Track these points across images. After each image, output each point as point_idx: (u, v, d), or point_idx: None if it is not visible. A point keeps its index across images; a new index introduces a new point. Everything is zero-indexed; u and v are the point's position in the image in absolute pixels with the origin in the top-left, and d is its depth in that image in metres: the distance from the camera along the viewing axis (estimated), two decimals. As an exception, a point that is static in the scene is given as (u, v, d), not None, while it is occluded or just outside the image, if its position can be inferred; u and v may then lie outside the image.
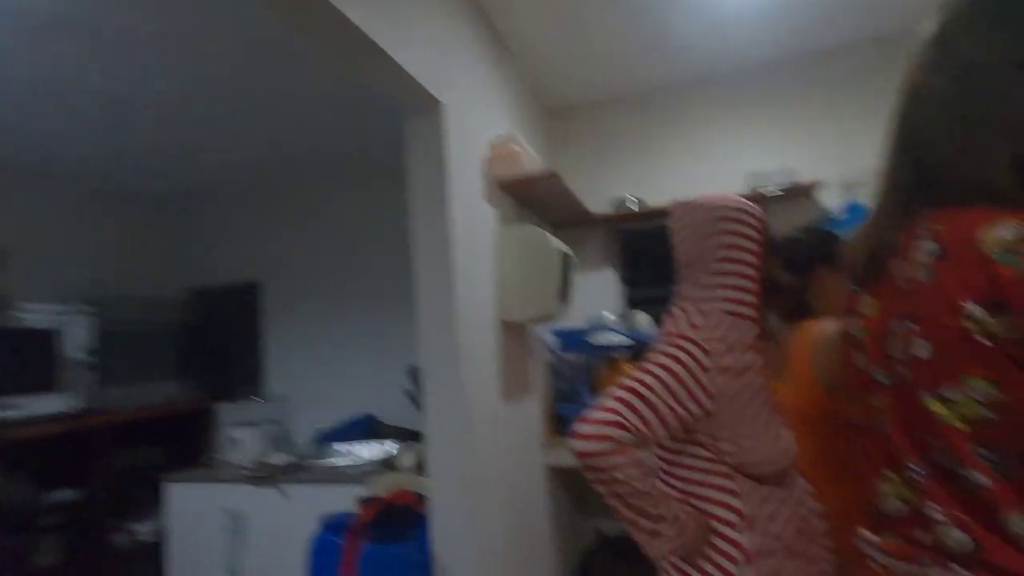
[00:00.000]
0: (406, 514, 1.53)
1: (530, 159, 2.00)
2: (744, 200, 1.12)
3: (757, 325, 1.09)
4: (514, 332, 2.04)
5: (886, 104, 0.79)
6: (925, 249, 0.67)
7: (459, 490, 1.52)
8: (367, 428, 3.03)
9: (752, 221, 1.10)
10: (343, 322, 3.28)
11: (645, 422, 0.97)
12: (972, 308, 0.61)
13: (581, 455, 0.97)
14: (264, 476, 2.45)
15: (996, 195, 0.62)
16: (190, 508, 2.60)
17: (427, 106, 1.63)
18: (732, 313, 1.07)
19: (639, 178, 2.82)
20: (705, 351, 1.02)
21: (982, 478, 0.63)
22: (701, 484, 1.06)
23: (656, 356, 1.05)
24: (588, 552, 2.44)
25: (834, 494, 1.14)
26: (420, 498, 1.61)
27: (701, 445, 1.05)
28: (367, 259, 3.27)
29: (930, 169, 0.69)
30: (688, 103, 2.79)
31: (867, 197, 0.73)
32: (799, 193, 2.45)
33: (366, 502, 1.56)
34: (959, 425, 0.64)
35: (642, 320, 2.54)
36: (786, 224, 1.59)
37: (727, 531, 1.02)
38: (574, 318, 2.60)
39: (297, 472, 2.51)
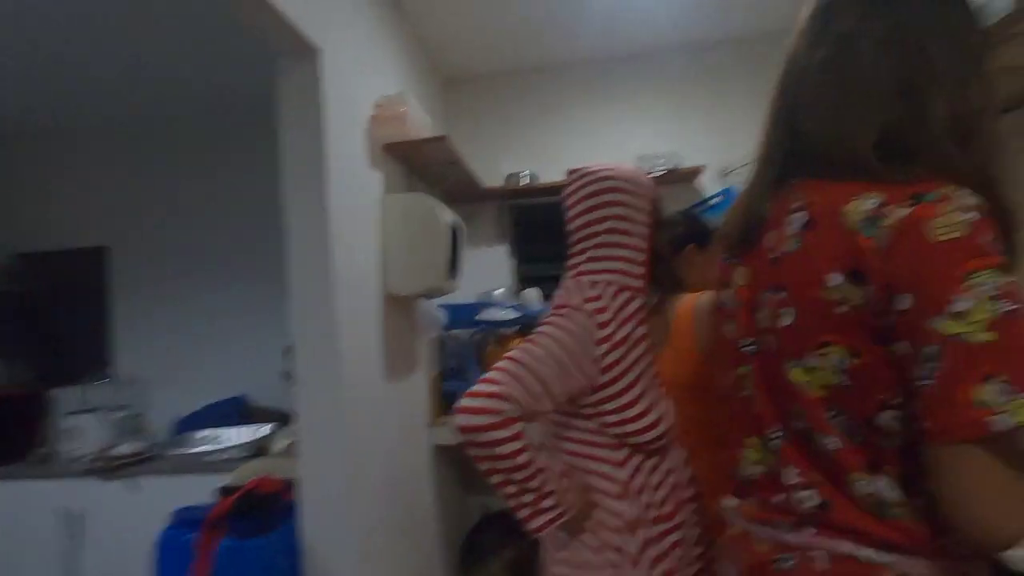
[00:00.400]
0: (272, 503, 1.39)
1: (419, 123, 1.88)
2: (637, 172, 1.11)
3: (644, 298, 1.09)
4: (399, 306, 1.93)
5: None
6: (795, 220, 0.68)
7: (333, 473, 1.41)
8: (237, 411, 2.77)
9: (643, 193, 1.10)
10: (209, 294, 2.92)
11: (532, 394, 0.94)
12: (834, 278, 0.62)
13: (464, 430, 0.91)
14: (107, 468, 2.15)
15: (862, 168, 0.63)
16: (14, 509, 2.23)
17: (301, 51, 1.45)
18: (622, 286, 1.06)
19: (535, 153, 2.79)
20: (595, 323, 1.00)
21: (834, 441, 0.65)
22: (585, 456, 1.06)
23: (545, 327, 1.02)
24: (473, 529, 2.42)
25: (710, 461, 1.18)
26: (289, 485, 1.47)
27: (587, 417, 1.04)
28: (239, 222, 2.91)
29: (804, 141, 0.69)
30: (587, 81, 2.79)
31: (740, 182, 0.74)
32: (682, 178, 2.55)
33: (224, 492, 1.40)
34: (817, 392, 0.65)
35: (533, 296, 2.54)
36: (668, 206, 1.64)
37: (609, 501, 1.03)
38: (464, 293, 2.53)
39: (149, 462, 2.23)
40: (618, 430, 1.02)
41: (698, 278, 1.41)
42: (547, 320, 1.03)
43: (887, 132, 0.62)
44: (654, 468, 1.06)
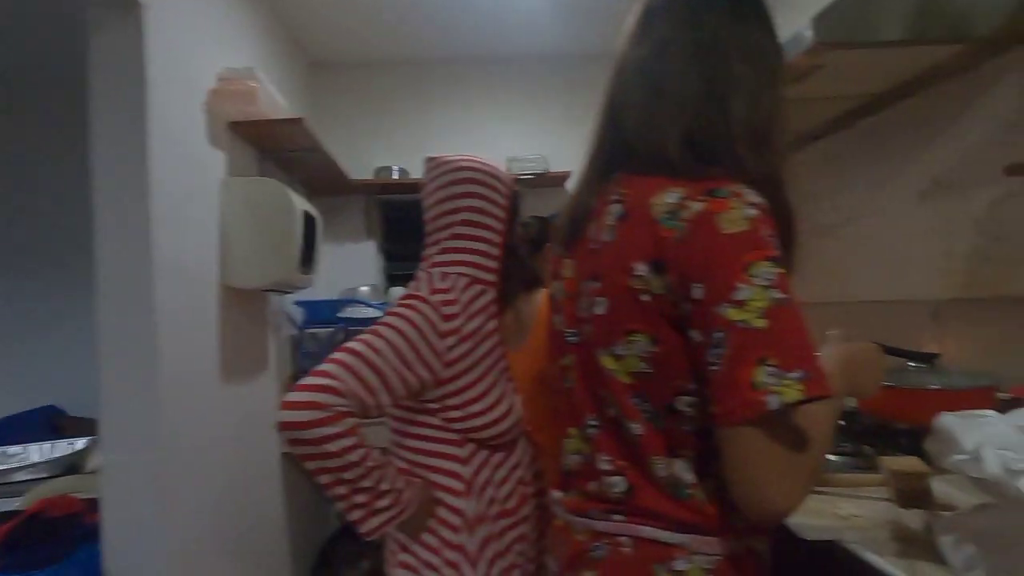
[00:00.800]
0: (64, 527, 1.19)
1: (272, 102, 1.73)
2: (494, 166, 1.10)
3: (497, 292, 1.07)
4: (243, 301, 1.76)
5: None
6: (613, 211, 0.70)
7: (143, 489, 1.23)
8: (48, 423, 2.38)
9: (500, 188, 1.09)
10: (9, 287, 2.49)
11: (368, 388, 0.88)
12: (640, 267, 0.64)
13: (284, 426, 0.84)
14: None
15: (668, 164, 0.66)
16: None
17: (119, 3, 1.27)
18: (474, 279, 1.04)
19: (406, 148, 2.71)
20: (441, 315, 0.97)
21: (638, 427, 0.67)
22: (429, 453, 1.02)
23: (388, 318, 0.96)
24: (330, 539, 2.28)
25: (553, 455, 1.19)
26: (94, 504, 1.27)
27: (431, 412, 1.00)
28: (47, 204, 2.51)
29: (623, 136, 0.72)
30: (463, 79, 2.77)
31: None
32: (551, 182, 2.61)
33: (4, 519, 1.17)
34: (625, 378, 0.67)
35: (398, 294, 2.46)
36: (535, 209, 1.67)
37: (450, 499, 1.00)
38: (326, 290, 2.39)
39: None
40: (463, 425, 1.00)
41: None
42: (391, 311, 0.98)
43: (692, 132, 0.66)
44: (500, 463, 1.04)
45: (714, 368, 0.59)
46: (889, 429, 1.24)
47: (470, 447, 1.01)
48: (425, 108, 2.76)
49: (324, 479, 0.88)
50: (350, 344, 0.91)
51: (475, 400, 0.99)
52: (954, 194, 1.36)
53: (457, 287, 1.02)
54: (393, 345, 0.91)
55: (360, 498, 0.89)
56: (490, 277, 1.06)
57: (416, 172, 2.61)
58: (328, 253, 2.52)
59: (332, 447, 0.84)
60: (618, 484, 0.70)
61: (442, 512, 0.99)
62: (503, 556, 1.00)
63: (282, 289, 1.81)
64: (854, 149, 1.70)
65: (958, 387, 1.20)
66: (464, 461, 1.00)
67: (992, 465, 0.56)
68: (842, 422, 1.32)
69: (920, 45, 1.19)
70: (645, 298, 0.64)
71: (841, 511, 0.91)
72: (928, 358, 1.29)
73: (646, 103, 0.69)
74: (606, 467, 0.71)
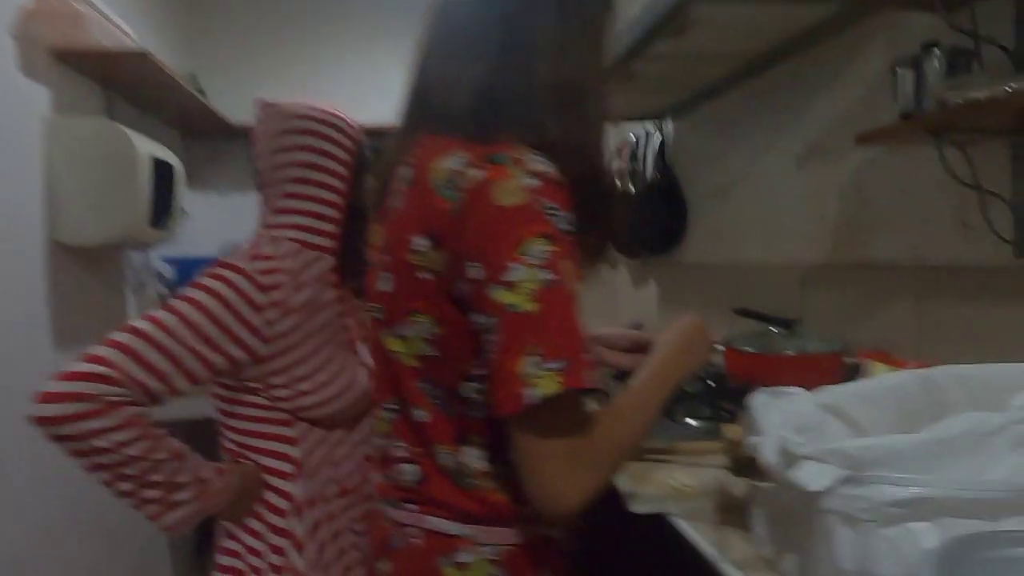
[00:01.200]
0: None
1: (107, 30, 1.50)
2: (337, 112, 0.98)
3: (336, 257, 0.97)
4: (87, 259, 1.57)
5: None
6: (404, 175, 0.63)
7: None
8: None
9: (341, 139, 0.97)
10: None
11: (154, 372, 0.78)
12: (419, 241, 0.58)
13: (39, 422, 0.72)
14: None
15: (456, 124, 0.59)
16: None
17: None
18: (306, 244, 0.93)
19: (297, 87, 2.47)
20: (258, 286, 0.86)
21: (425, 413, 0.62)
22: (254, 434, 0.94)
23: (188, 290, 0.85)
24: (207, 521, 2.18)
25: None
26: None
27: (253, 391, 0.91)
28: None
29: (425, 96, 0.65)
30: (362, 10, 2.53)
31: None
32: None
33: None
34: (410, 361, 0.62)
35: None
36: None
37: (278, 482, 0.93)
38: (203, 245, 2.20)
39: None
40: (291, 404, 0.92)
41: None
42: (194, 282, 0.86)
43: (487, 89, 0.59)
44: (340, 441, 0.98)
45: (489, 356, 0.53)
46: (748, 393, 1.26)
47: (302, 426, 0.93)
48: (320, 43, 2.53)
49: (103, 476, 0.78)
50: (135, 322, 0.80)
51: (305, 377, 0.91)
52: (826, 159, 1.36)
53: (285, 253, 0.92)
54: (189, 322, 0.81)
55: (151, 493, 0.80)
56: (326, 242, 0.95)
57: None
58: (207, 203, 2.31)
59: (102, 442, 0.74)
60: (410, 472, 0.65)
61: (269, 496, 0.92)
62: (339, 537, 0.95)
63: (131, 246, 1.63)
64: (742, 109, 1.68)
65: (810, 352, 1.23)
66: (294, 442, 0.93)
67: (767, 452, 0.54)
68: (711, 383, 1.34)
69: (793, 3, 1.14)
70: (425, 275, 0.58)
71: (674, 480, 0.90)
72: (788, 323, 1.31)
73: (442, 53, 0.62)
74: (400, 454, 0.66)
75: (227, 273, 0.86)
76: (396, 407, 0.67)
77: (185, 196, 2.17)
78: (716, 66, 1.51)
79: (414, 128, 0.66)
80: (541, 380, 0.49)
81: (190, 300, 0.83)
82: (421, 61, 0.65)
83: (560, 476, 0.53)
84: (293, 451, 0.93)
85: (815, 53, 1.35)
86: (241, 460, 0.93)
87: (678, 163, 2.09)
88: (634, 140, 2.28)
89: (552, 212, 0.53)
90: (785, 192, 1.52)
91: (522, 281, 0.51)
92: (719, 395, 1.30)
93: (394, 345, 0.62)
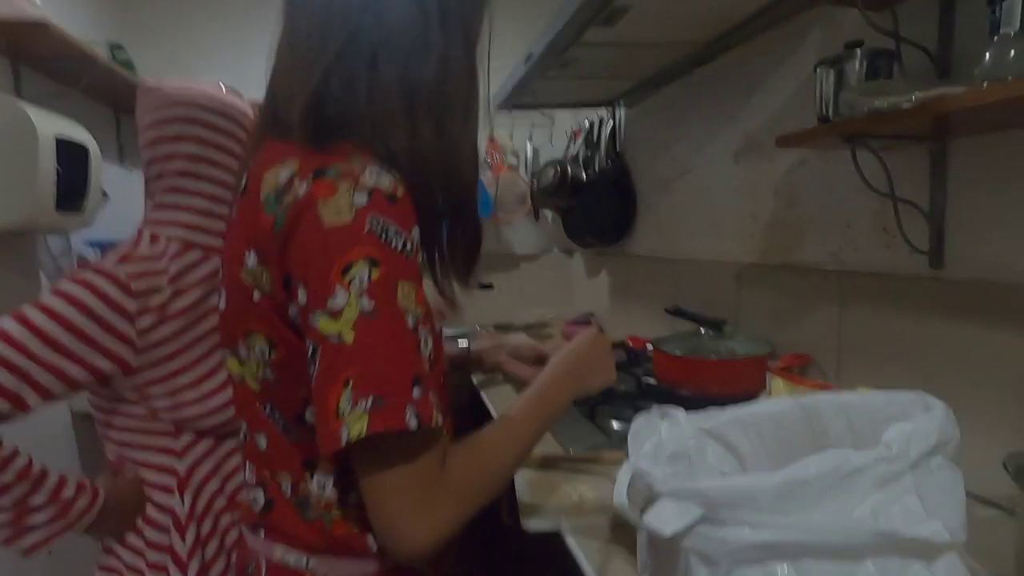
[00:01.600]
0: None
1: (5, -4, 1.38)
2: (227, 99, 0.91)
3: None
4: (-9, 244, 1.47)
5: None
6: (243, 184, 0.58)
7: None
8: None
9: (233, 129, 0.90)
10: None
11: None
12: (250, 257, 0.52)
13: None
14: None
15: (291, 130, 0.53)
16: None
17: None
18: (191, 244, 0.87)
19: (235, 62, 2.35)
20: (129, 293, 0.80)
21: (268, 439, 0.58)
22: (136, 446, 0.88)
23: (46, 298, 0.78)
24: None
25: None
26: None
27: (131, 402, 0.85)
28: None
29: (273, 96, 0.59)
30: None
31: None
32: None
33: None
34: (253, 385, 0.57)
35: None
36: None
37: (159, 497, 0.88)
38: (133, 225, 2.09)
39: None
40: (175, 415, 0.86)
41: None
42: (55, 287, 0.79)
43: (326, 92, 0.53)
44: (232, 452, 0.93)
45: (313, 388, 0.49)
46: (674, 397, 1.24)
47: (187, 438, 0.88)
48: (259, 14, 2.40)
49: None
50: None
51: (188, 387, 0.86)
52: (762, 155, 1.33)
53: (166, 254, 0.85)
54: (41, 332, 0.74)
55: (2, 517, 0.74)
56: (217, 242, 0.89)
57: (252, 89, 2.29)
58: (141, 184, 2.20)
59: None
60: (258, 498, 0.61)
61: (150, 511, 0.87)
62: (226, 553, 0.91)
63: (40, 230, 1.53)
64: (690, 99, 1.64)
65: (737, 356, 1.21)
66: (179, 454, 0.88)
67: (618, 494, 0.51)
68: (649, 381, 1.31)
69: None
70: (256, 294, 0.53)
71: (574, 493, 0.87)
72: (718, 325, 1.29)
73: (287, 49, 0.57)
74: (250, 478, 0.62)
75: (92, 278, 0.79)
76: (246, 429, 0.62)
77: (115, 175, 2.06)
78: (659, 55, 1.45)
79: (264, 130, 0.60)
80: (353, 420, 0.45)
81: (44, 308, 0.76)
82: (274, 57, 0.60)
83: (405, 513, 0.49)
84: (177, 464, 0.87)
85: (756, 45, 1.31)
86: (122, 472, 0.88)
87: (628, 152, 2.04)
88: (587, 126, 2.22)
89: (385, 232, 0.47)
90: (724, 187, 1.49)
91: (345, 308, 0.46)
92: (647, 397, 1.28)
93: (234, 367, 0.58)
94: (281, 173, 0.51)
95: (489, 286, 2.61)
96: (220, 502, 0.91)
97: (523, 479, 0.92)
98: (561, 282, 2.66)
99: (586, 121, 2.23)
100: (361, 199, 0.47)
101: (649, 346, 1.33)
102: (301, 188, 0.49)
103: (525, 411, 0.62)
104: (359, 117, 0.52)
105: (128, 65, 1.95)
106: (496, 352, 0.90)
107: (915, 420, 0.53)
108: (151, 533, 0.87)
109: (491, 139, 2.49)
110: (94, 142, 1.59)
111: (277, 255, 0.50)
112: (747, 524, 0.50)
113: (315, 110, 0.52)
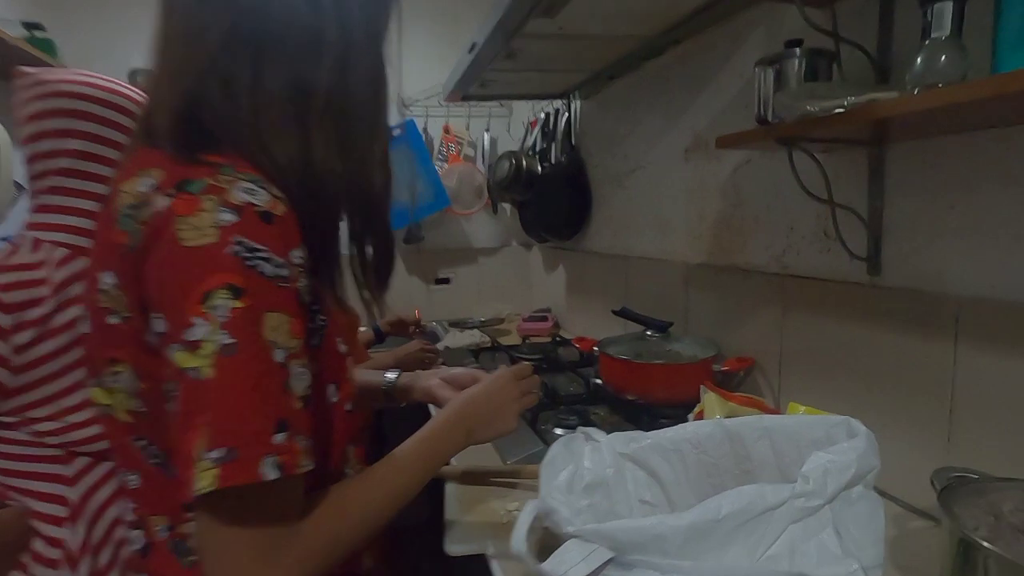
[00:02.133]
0: None
1: None
2: (122, 87, 0.83)
3: None
4: None
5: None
6: (105, 196, 0.52)
7: None
8: None
9: (126, 122, 0.82)
10: None
11: None
12: (106, 278, 0.47)
13: None
14: None
15: (159, 137, 0.47)
16: None
17: None
18: (77, 250, 0.79)
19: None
20: (3, 306, 0.72)
21: (136, 479, 0.53)
22: (19, 474, 0.80)
23: None
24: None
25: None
26: None
27: (9, 427, 0.78)
28: None
29: (148, 104, 0.52)
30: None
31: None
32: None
33: None
34: (123, 417, 0.51)
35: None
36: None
37: (47, 528, 0.80)
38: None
39: None
40: (62, 439, 0.79)
41: None
42: None
43: (200, 95, 0.47)
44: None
45: (175, 426, 0.43)
46: (619, 401, 1.21)
47: (80, 462, 0.81)
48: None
49: None
50: None
51: (77, 408, 0.78)
52: (709, 154, 1.30)
53: (49, 261, 0.77)
54: None
55: None
56: None
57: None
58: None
59: None
60: (136, 540, 0.55)
61: (37, 545, 0.79)
62: None
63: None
64: (642, 93, 1.60)
65: (682, 359, 1.18)
66: (69, 481, 0.80)
67: (516, 540, 0.47)
68: (597, 382, 1.28)
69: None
70: (114, 320, 0.47)
71: (502, 510, 0.83)
72: (664, 327, 1.26)
73: (158, 48, 0.50)
74: (128, 518, 0.56)
75: None
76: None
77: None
78: (605, 49, 1.40)
79: (136, 137, 0.54)
80: (202, 470, 0.40)
81: None
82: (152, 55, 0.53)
83: (241, 572, 0.43)
84: (67, 492, 0.80)
85: (702, 41, 1.27)
86: (6, 503, 0.80)
87: (584, 145, 2.00)
88: (543, 117, 2.17)
89: (252, 255, 0.42)
90: (674, 185, 1.46)
91: (203, 342, 0.40)
92: (595, 401, 1.25)
93: (101, 397, 0.51)
94: (140, 185, 0.45)
95: (446, 280, 2.56)
96: (120, 531, 0.84)
97: (451, 494, 0.88)
98: (520, 277, 2.61)
99: (543, 113, 2.17)
100: (227, 217, 0.41)
101: (595, 348, 1.30)
102: (160, 202, 0.43)
103: (409, 456, 0.59)
104: (240, 125, 0.46)
105: (46, 46, 1.81)
106: (428, 377, 0.85)
107: (835, 450, 0.50)
108: (39, 570, 0.79)
109: (446, 129, 2.41)
110: (3, 130, 1.47)
111: (132, 277, 0.44)
112: (655, 568, 0.46)
113: (187, 115, 0.46)
